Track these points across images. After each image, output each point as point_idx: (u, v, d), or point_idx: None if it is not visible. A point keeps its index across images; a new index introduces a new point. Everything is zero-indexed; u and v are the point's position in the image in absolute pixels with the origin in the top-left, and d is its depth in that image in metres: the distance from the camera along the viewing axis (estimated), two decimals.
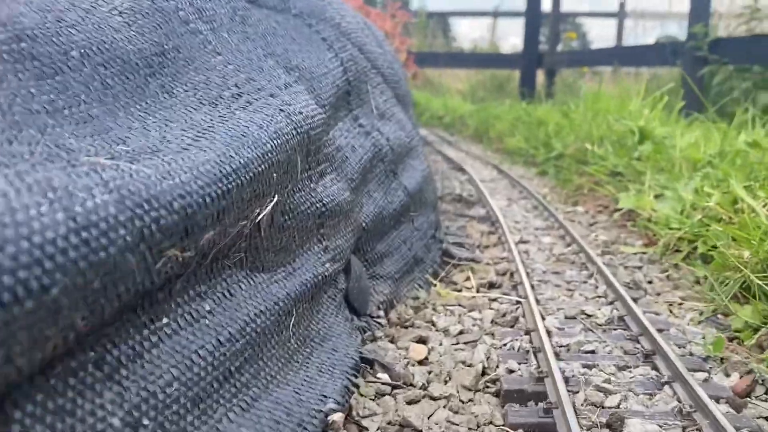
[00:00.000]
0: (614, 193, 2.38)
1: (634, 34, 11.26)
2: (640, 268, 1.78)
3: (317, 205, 1.13)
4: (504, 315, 1.41)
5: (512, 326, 1.35)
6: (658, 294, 1.59)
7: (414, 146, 1.86)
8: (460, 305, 1.46)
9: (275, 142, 0.92)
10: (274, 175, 0.91)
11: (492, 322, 1.38)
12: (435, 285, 1.58)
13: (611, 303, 1.48)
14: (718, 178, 1.99)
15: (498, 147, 4.47)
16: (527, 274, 1.65)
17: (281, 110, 1.03)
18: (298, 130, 1.05)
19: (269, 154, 0.89)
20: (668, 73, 6.76)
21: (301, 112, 1.09)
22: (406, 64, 4.66)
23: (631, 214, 2.20)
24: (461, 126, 5.88)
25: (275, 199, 0.96)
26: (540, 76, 7.75)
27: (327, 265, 1.14)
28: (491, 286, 1.60)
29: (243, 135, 0.86)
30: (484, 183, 3.08)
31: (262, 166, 0.86)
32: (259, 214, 0.88)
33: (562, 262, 1.81)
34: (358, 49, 1.64)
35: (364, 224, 1.37)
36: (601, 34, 17.43)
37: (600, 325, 1.34)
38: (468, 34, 19.31)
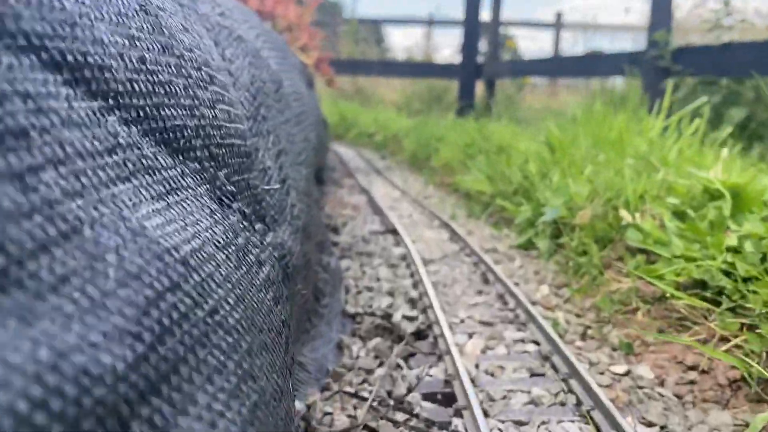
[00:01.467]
0: (720, 338, 1.00)
1: (585, 45, 10.18)
2: None
3: None
4: None
5: None
6: None
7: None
8: None
9: None
10: None
11: None
12: None
13: None
14: None
15: (444, 181, 3.08)
16: None
17: None
18: None
19: None
20: (621, 86, 5.53)
21: None
22: (318, 67, 3.22)
23: None
24: (395, 147, 4.48)
25: None
26: (479, 88, 6.59)
27: None
28: None
29: None
30: (433, 267, 1.67)
31: None
32: None
33: None
34: None
35: None
36: (534, 47, 16.49)
37: None
38: (401, 43, 18.03)
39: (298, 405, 0.91)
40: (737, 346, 1.00)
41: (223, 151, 0.69)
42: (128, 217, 0.43)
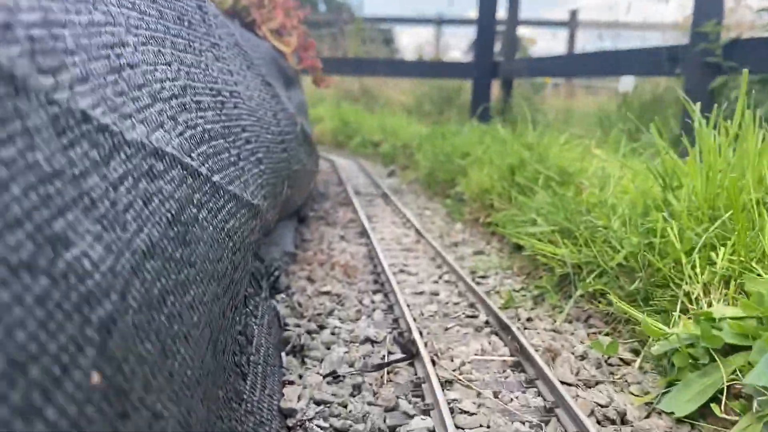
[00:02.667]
0: None
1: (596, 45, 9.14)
2: None
3: None
4: None
5: None
6: None
7: None
8: None
9: None
10: None
11: None
12: None
13: None
14: None
15: (479, 218, 2.07)
16: None
17: None
18: None
19: None
20: (651, 86, 4.49)
21: None
22: (302, 60, 2.21)
23: None
24: (407, 159, 3.47)
25: None
26: (494, 88, 5.65)
27: None
28: None
29: None
30: None
31: None
32: None
33: None
34: None
35: None
36: (545, 48, 15.47)
37: None
38: (410, 45, 16.91)
39: None
40: None
41: None
42: None
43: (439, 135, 3.20)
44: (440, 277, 1.52)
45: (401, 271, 1.58)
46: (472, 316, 1.25)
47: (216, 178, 0.75)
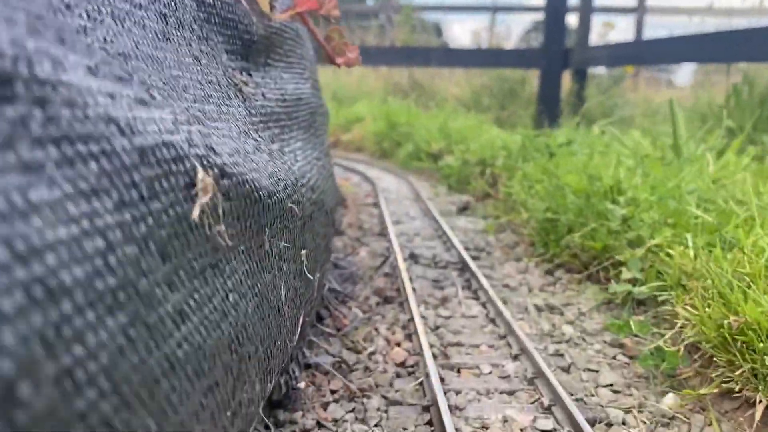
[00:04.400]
0: None
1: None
2: None
3: None
4: None
5: None
6: None
7: None
8: None
9: None
10: None
11: None
12: None
13: None
14: None
15: (733, 392, 0.77)
16: None
17: None
18: None
19: None
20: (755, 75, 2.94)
21: None
22: (301, 17, 0.93)
23: None
24: (487, 185, 2.17)
25: None
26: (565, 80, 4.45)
27: None
28: None
29: None
30: None
31: None
32: None
33: None
34: None
35: None
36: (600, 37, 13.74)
37: None
38: (460, 36, 15.31)
39: None
40: None
41: None
42: None
43: (541, 147, 1.88)
44: None
45: None
46: None
47: None
